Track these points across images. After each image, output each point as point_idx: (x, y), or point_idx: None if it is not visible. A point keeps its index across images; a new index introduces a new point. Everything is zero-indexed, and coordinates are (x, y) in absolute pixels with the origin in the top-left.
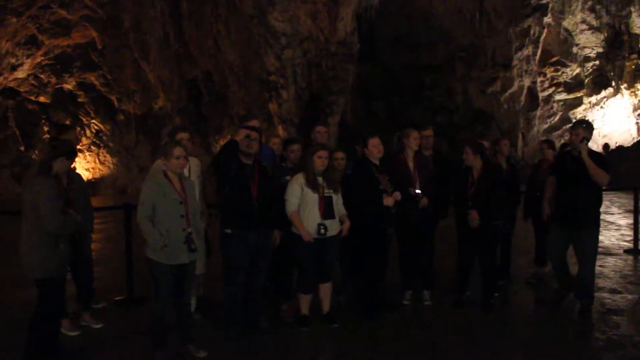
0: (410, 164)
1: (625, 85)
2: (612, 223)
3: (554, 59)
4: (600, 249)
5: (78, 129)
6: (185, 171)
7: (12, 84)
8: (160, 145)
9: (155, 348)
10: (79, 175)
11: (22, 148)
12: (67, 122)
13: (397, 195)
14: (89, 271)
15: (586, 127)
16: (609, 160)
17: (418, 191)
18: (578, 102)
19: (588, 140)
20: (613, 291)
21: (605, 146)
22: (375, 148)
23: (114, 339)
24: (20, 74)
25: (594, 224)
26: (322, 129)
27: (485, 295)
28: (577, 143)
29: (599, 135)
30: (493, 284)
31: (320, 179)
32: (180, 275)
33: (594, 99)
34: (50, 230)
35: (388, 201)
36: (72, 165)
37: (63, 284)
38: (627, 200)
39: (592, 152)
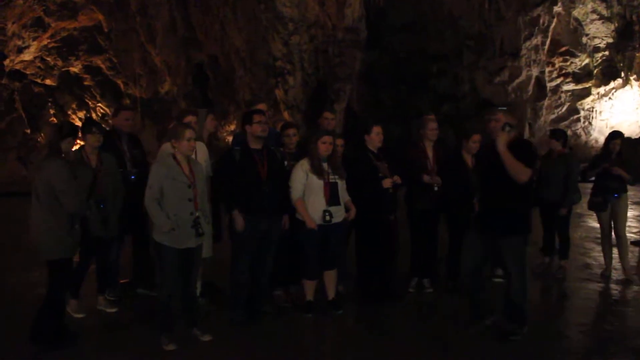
0: (430, 153)
1: (634, 76)
2: None
3: (563, 49)
4: None
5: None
6: (192, 156)
7: (18, 67)
8: (169, 129)
9: (161, 331)
10: (109, 156)
11: (28, 131)
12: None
13: (397, 178)
14: (108, 255)
15: (508, 111)
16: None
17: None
18: (586, 93)
19: (511, 127)
20: (619, 282)
21: None
22: (377, 136)
23: (118, 322)
24: (27, 56)
25: (519, 231)
26: (330, 115)
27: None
28: (497, 131)
29: (606, 127)
30: None
31: (325, 165)
32: (187, 259)
33: (602, 89)
34: (71, 210)
35: (386, 183)
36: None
37: (72, 264)
38: (634, 191)
39: (518, 143)
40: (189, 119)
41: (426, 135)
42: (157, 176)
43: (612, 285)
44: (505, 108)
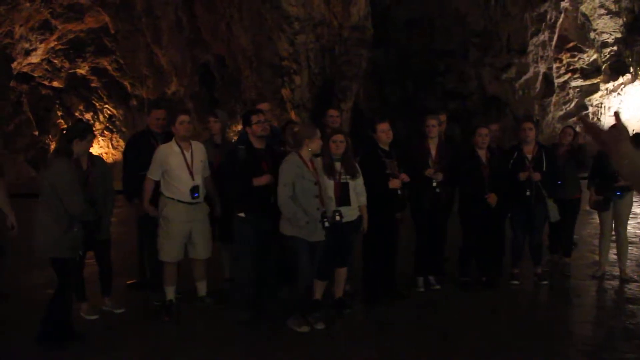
0: (433, 151)
1: None
2: None
3: (571, 45)
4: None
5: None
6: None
7: (25, 69)
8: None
9: (300, 316)
10: (100, 158)
11: (36, 133)
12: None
13: (405, 177)
14: (108, 256)
15: None
16: None
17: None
18: (594, 89)
19: None
20: (629, 280)
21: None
22: (383, 133)
23: (126, 323)
24: (34, 58)
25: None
26: (334, 112)
27: (492, 274)
28: None
29: None
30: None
31: (337, 165)
32: (314, 252)
33: (611, 85)
34: (74, 212)
35: (394, 184)
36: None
37: (76, 266)
38: None
39: None
40: (183, 118)
41: (425, 132)
42: (290, 175)
43: (620, 283)
44: None
